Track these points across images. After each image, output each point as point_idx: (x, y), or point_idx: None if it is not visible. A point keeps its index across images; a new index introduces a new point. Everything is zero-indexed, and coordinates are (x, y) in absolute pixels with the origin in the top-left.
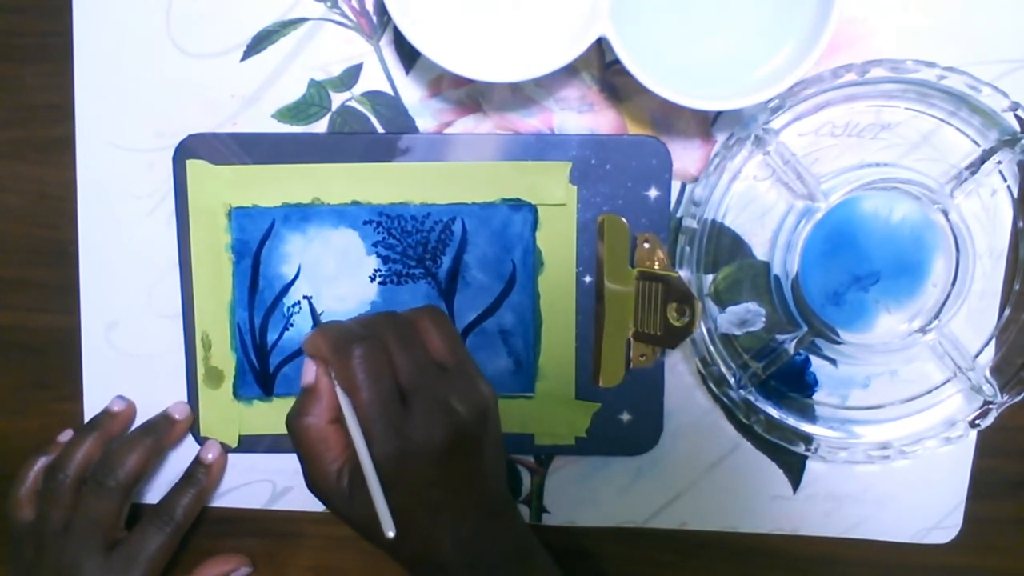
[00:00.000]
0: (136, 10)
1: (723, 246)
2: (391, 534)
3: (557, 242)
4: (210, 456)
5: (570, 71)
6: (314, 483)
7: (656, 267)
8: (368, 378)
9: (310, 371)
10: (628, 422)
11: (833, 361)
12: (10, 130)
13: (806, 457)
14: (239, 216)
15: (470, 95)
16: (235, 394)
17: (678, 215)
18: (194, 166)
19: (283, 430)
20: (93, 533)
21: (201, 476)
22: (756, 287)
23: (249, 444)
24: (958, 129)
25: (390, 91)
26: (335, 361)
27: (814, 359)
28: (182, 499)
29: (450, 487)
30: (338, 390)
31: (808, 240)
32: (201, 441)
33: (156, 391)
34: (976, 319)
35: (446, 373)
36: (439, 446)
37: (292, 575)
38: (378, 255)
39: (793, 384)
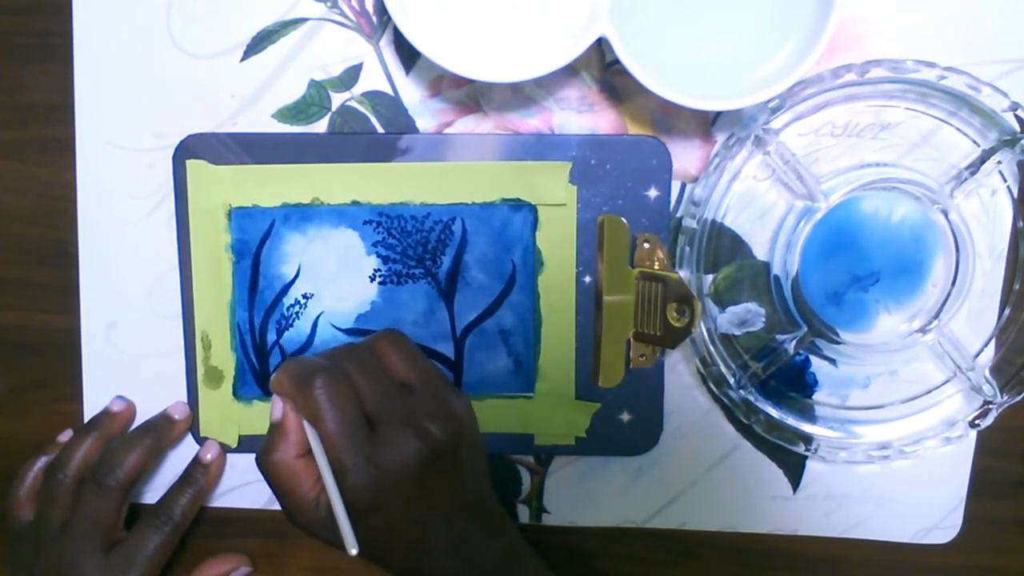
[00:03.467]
0: (136, 10)
1: (723, 246)
2: (353, 552)
3: (557, 242)
4: (208, 456)
5: (570, 71)
6: (292, 516)
7: (656, 267)
8: (331, 407)
9: (277, 407)
10: (628, 422)
11: (833, 361)
12: (10, 130)
13: (806, 457)
14: (239, 216)
15: (470, 95)
16: (235, 394)
17: (678, 215)
18: (194, 166)
19: None
20: (92, 533)
21: (199, 476)
22: (756, 287)
23: (249, 444)
24: (958, 129)
25: (390, 91)
26: (297, 395)
27: (814, 359)
28: (180, 499)
29: (431, 501)
30: (306, 424)
31: (808, 240)
32: (201, 441)
33: (156, 391)
34: (976, 319)
35: (412, 393)
36: (413, 467)
37: (292, 575)
38: (378, 255)
39: (793, 384)
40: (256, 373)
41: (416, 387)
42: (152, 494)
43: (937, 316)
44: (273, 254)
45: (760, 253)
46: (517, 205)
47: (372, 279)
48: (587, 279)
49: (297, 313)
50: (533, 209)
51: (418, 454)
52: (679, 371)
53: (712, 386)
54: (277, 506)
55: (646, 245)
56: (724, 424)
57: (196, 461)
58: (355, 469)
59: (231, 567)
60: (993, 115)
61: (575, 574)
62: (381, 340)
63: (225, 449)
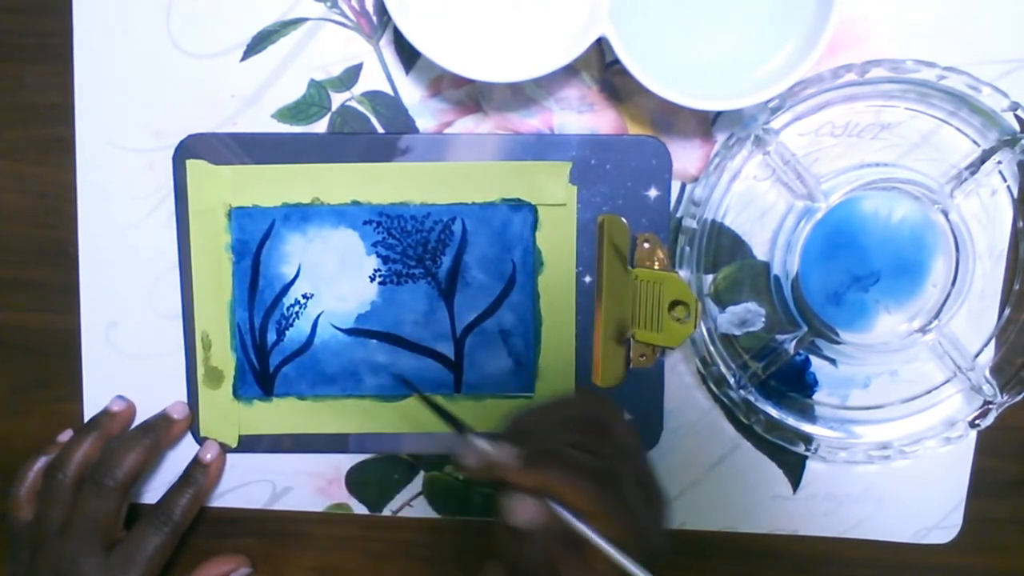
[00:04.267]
0: (136, 10)
1: (723, 246)
2: None
3: (557, 242)
4: (208, 456)
5: (570, 71)
6: None
7: (656, 267)
8: (589, 484)
9: (524, 509)
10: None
11: (833, 361)
12: (10, 130)
13: (806, 457)
14: (239, 216)
15: (470, 95)
16: (235, 394)
17: (678, 215)
18: (194, 166)
19: (283, 430)
20: (91, 533)
21: (199, 476)
22: (756, 287)
23: (249, 444)
24: (958, 129)
25: (390, 91)
26: (543, 477)
27: (814, 359)
28: (180, 499)
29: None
30: (560, 510)
31: (808, 240)
32: (201, 441)
33: (156, 391)
34: (976, 319)
35: (628, 454)
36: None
37: (292, 575)
38: (378, 255)
39: (793, 384)
40: (256, 373)
41: (627, 451)
42: (152, 494)
43: (937, 316)
44: (273, 254)
45: (760, 253)
46: (517, 205)
47: (372, 279)
48: (587, 279)
49: (297, 313)
50: (533, 209)
51: (665, 514)
52: (679, 371)
53: (712, 386)
54: (277, 506)
55: (646, 245)
56: (724, 424)
57: (196, 461)
58: (639, 534)
59: (231, 567)
60: (993, 115)
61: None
62: (604, 409)
63: (225, 449)
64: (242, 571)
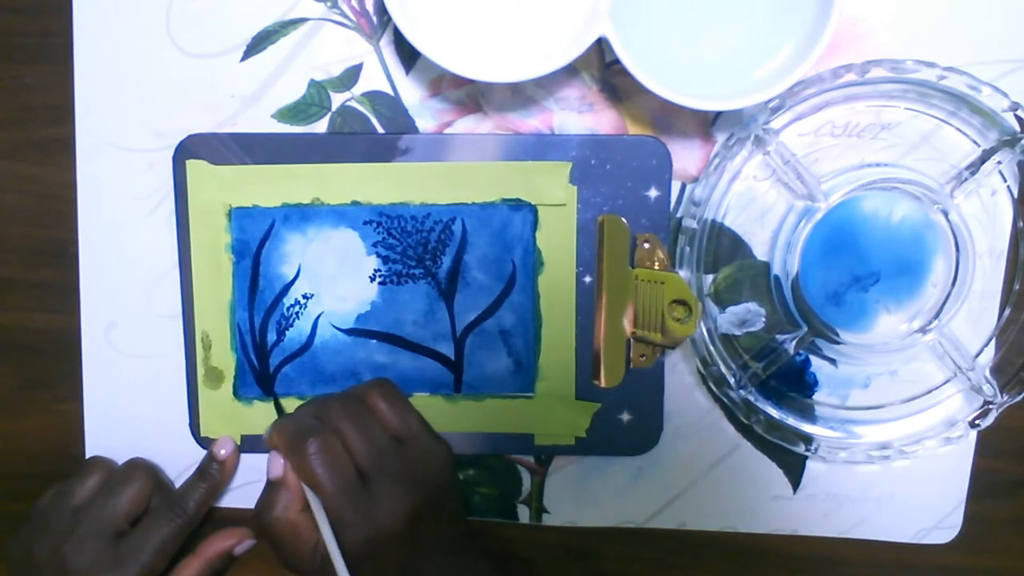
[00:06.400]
0: (136, 10)
1: (723, 246)
2: None
3: (557, 242)
4: (223, 452)
5: (570, 71)
6: (290, 565)
7: (656, 267)
8: (327, 471)
9: (276, 465)
10: (628, 422)
11: (833, 361)
12: (10, 130)
13: (806, 457)
14: (239, 216)
15: (470, 95)
16: (235, 394)
17: (678, 215)
18: (194, 166)
19: None
20: (102, 519)
21: (214, 472)
22: (756, 287)
23: (249, 444)
24: (958, 129)
25: (390, 91)
26: (293, 459)
27: (814, 359)
28: (194, 492)
29: (417, 547)
30: (304, 484)
31: (808, 240)
32: (201, 442)
33: (156, 391)
34: (976, 319)
35: (402, 445)
36: (405, 518)
37: (292, 575)
38: (378, 255)
39: (793, 384)
40: (256, 373)
41: (406, 440)
42: None
43: (937, 316)
44: (273, 254)
45: (760, 253)
46: (517, 205)
47: (372, 279)
48: (587, 279)
49: (297, 313)
50: (533, 209)
51: (409, 505)
52: (679, 371)
53: (712, 386)
54: None
55: (646, 245)
56: (724, 424)
57: (210, 456)
58: (353, 526)
59: (234, 541)
60: (993, 115)
61: (575, 574)
62: (373, 392)
63: (237, 446)
64: (246, 543)
